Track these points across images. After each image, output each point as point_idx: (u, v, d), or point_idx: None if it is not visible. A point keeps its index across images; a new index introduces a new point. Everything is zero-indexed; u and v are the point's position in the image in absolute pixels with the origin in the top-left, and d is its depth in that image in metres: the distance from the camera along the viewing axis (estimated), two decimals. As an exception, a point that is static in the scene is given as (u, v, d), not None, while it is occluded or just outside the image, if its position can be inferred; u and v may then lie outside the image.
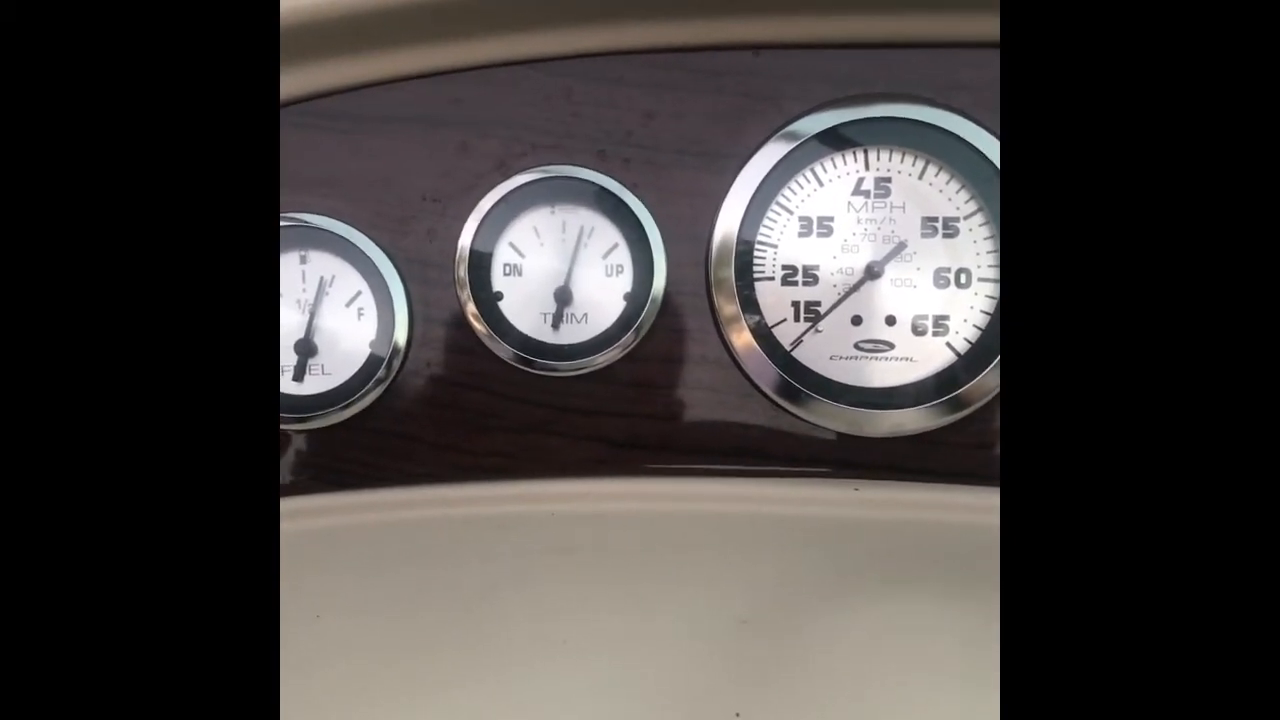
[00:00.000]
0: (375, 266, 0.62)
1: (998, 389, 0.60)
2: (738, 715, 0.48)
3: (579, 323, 0.62)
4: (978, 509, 0.60)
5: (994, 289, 0.60)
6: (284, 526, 0.60)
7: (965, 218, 0.60)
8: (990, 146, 0.59)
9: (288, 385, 0.62)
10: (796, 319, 0.62)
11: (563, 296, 0.62)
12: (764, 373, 0.61)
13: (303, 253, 0.62)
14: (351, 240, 0.62)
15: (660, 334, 0.62)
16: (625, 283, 0.62)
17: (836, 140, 0.60)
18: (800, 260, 0.61)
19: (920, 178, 0.60)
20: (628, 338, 0.62)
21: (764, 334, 0.61)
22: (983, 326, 0.60)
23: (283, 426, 0.63)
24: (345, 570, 0.58)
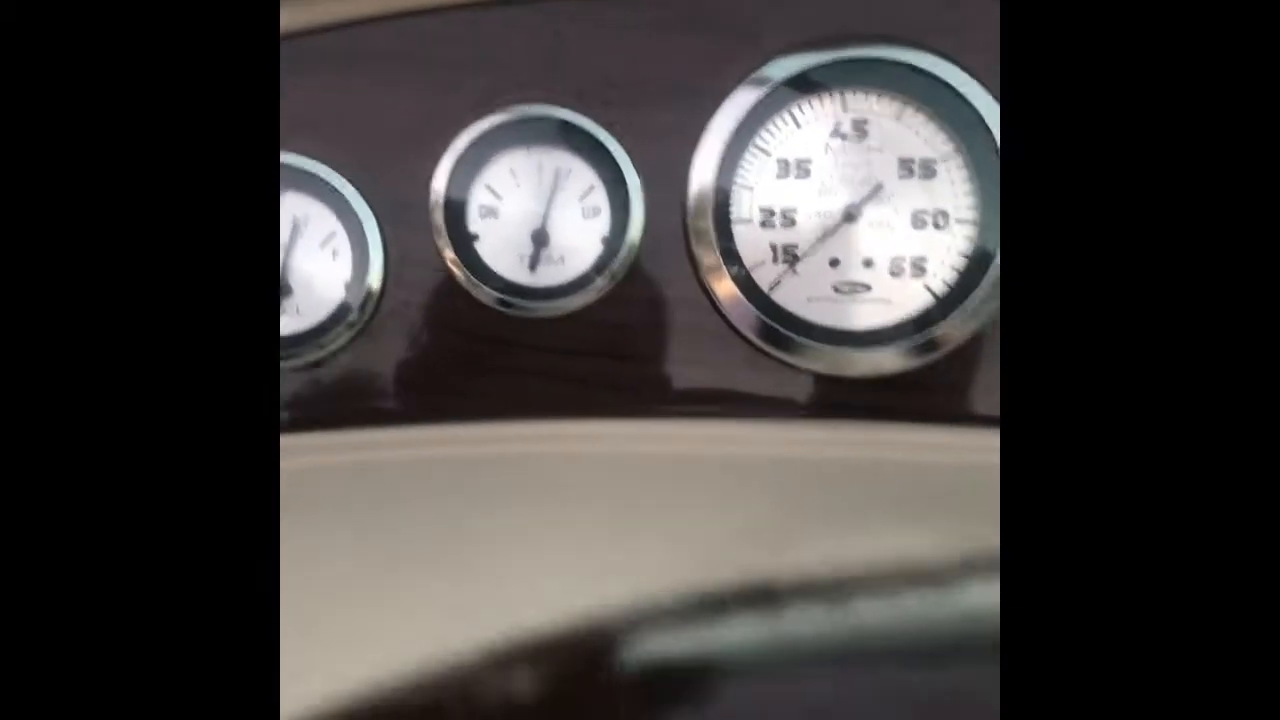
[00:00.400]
0: (350, 207, 0.62)
1: (975, 330, 0.60)
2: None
3: (556, 264, 0.62)
4: (956, 448, 0.60)
5: (972, 231, 0.60)
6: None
7: (943, 159, 0.60)
8: (969, 88, 0.59)
9: (262, 325, 0.62)
10: (774, 261, 0.61)
11: (539, 239, 0.62)
12: (743, 315, 0.61)
13: (277, 193, 0.62)
14: (327, 180, 0.61)
15: (638, 277, 0.62)
16: (603, 225, 0.62)
17: (813, 82, 0.60)
18: (778, 203, 0.61)
19: (898, 119, 0.60)
20: (604, 280, 0.61)
21: (742, 277, 0.61)
22: (960, 269, 0.60)
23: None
24: (314, 510, 0.57)
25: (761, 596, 0.41)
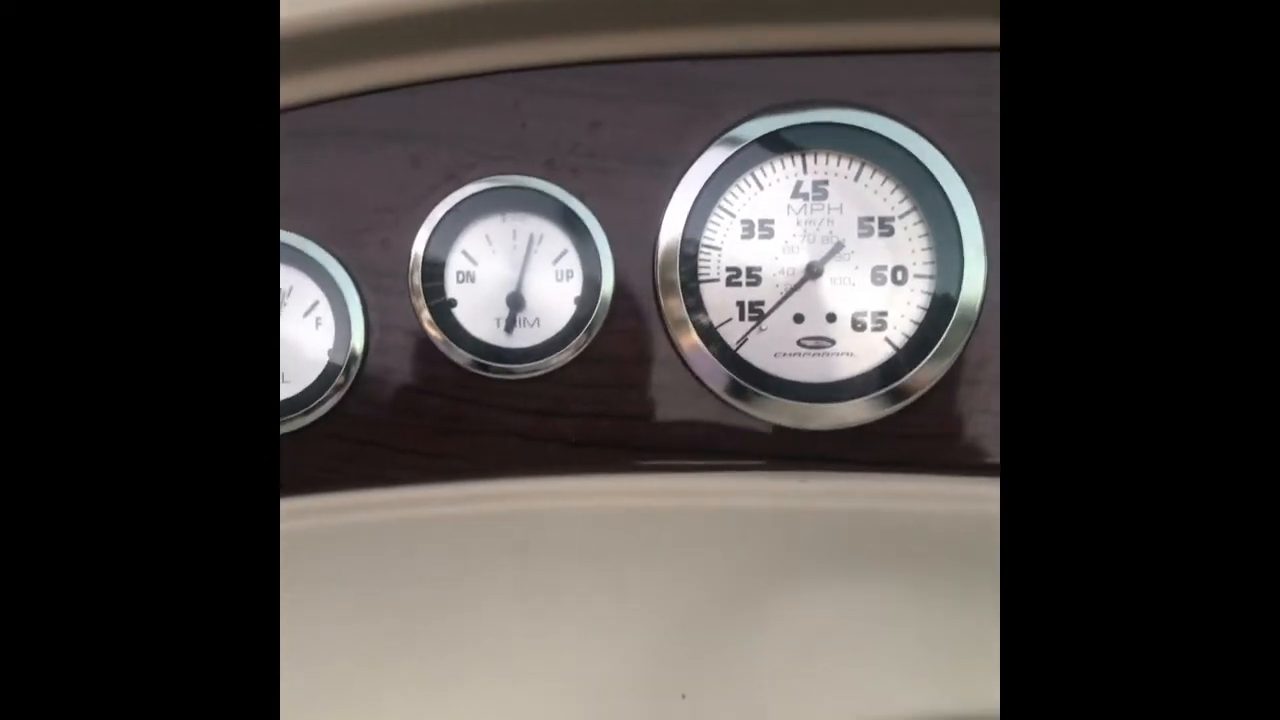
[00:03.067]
0: (331, 277, 0.64)
1: (935, 381, 0.62)
2: (684, 696, 0.50)
3: (532, 327, 0.64)
4: (918, 497, 0.62)
5: (929, 284, 0.62)
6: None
7: (900, 217, 0.62)
8: (920, 148, 0.61)
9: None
10: (741, 318, 0.64)
11: (515, 302, 0.64)
12: (711, 371, 0.64)
13: (260, 265, 0.64)
14: (308, 252, 0.64)
15: (611, 336, 0.64)
16: (575, 287, 0.64)
17: (775, 145, 0.62)
18: (743, 262, 0.64)
19: (856, 179, 0.63)
20: (579, 340, 0.64)
21: (710, 334, 0.63)
22: (919, 321, 0.62)
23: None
24: (299, 575, 0.59)
25: None
